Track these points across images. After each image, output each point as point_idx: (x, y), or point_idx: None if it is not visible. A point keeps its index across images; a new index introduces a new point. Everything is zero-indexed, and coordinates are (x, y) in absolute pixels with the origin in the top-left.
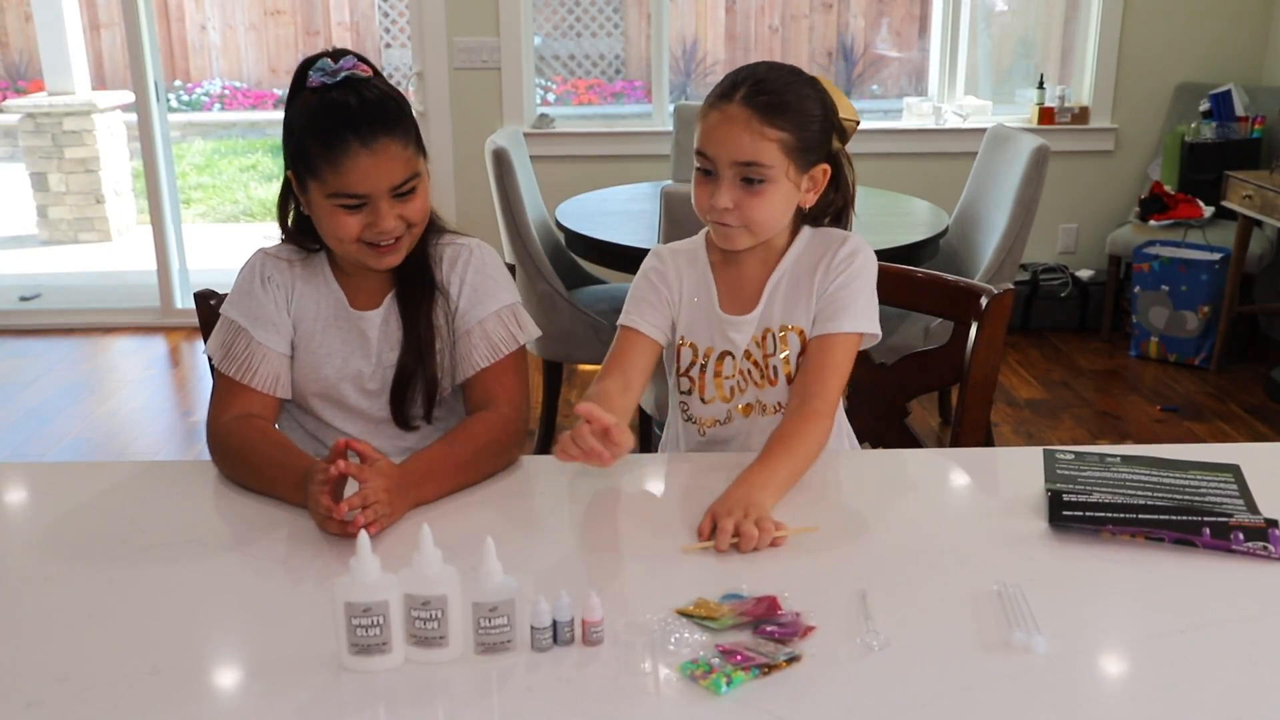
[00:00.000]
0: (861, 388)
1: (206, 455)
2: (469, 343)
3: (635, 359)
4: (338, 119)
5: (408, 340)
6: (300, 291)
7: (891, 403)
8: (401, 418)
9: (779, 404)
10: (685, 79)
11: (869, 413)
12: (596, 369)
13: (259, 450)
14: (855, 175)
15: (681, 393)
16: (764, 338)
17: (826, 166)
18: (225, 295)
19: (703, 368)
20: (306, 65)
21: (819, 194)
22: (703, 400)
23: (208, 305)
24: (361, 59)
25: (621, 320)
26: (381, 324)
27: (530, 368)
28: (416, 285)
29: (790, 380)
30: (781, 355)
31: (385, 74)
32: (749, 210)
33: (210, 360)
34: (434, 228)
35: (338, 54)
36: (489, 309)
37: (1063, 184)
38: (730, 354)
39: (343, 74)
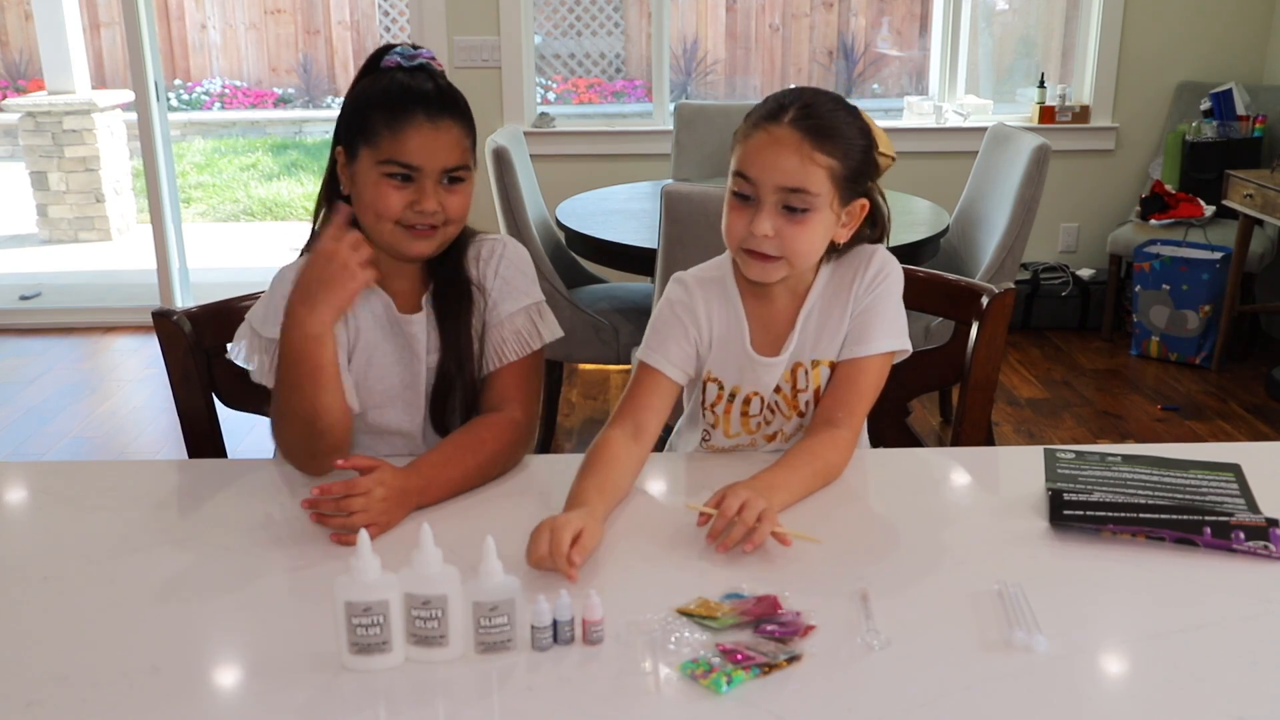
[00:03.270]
0: None
1: (206, 454)
2: (497, 336)
3: (652, 402)
4: (409, 93)
5: (446, 345)
6: (353, 302)
7: (893, 402)
8: (441, 424)
9: (803, 429)
10: (686, 78)
11: (870, 412)
12: (597, 369)
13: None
14: (890, 211)
15: (705, 424)
16: (794, 372)
17: (865, 201)
18: (188, 311)
19: (728, 406)
20: (383, 51)
21: (854, 230)
22: (726, 435)
23: (169, 323)
24: (435, 59)
25: (642, 355)
26: (426, 327)
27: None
28: (452, 288)
29: (819, 403)
30: (812, 389)
31: None
32: (790, 240)
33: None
34: (466, 231)
35: (417, 46)
36: (518, 304)
37: (1063, 183)
38: (759, 394)
39: (419, 61)
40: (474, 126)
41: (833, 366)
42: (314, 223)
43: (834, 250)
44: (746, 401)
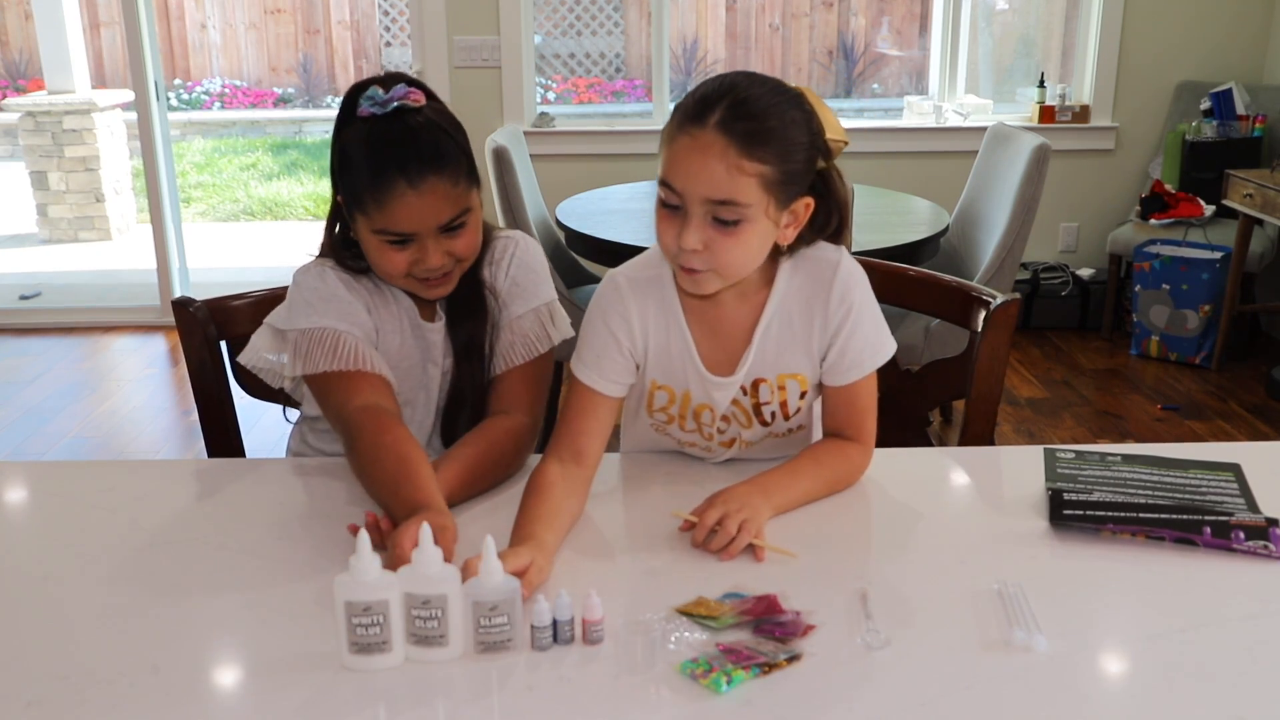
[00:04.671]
0: (883, 395)
1: (204, 454)
2: (506, 339)
3: (590, 425)
4: (385, 156)
5: (459, 359)
6: (374, 306)
7: (912, 412)
8: (450, 437)
9: (769, 435)
10: (686, 78)
11: (890, 421)
12: None
13: (381, 465)
14: (848, 190)
15: (657, 420)
16: (754, 387)
17: (809, 200)
18: (205, 301)
19: (682, 410)
20: (357, 91)
21: (799, 229)
22: (682, 429)
23: (187, 313)
24: (413, 83)
25: (576, 371)
26: (444, 335)
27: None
28: (467, 295)
29: (786, 415)
30: (778, 401)
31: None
32: (720, 253)
33: (286, 384)
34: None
35: (389, 80)
36: (527, 306)
37: (1063, 183)
38: (709, 408)
39: (393, 104)
40: (464, 155)
41: (802, 381)
42: (327, 241)
43: (782, 250)
44: (697, 414)
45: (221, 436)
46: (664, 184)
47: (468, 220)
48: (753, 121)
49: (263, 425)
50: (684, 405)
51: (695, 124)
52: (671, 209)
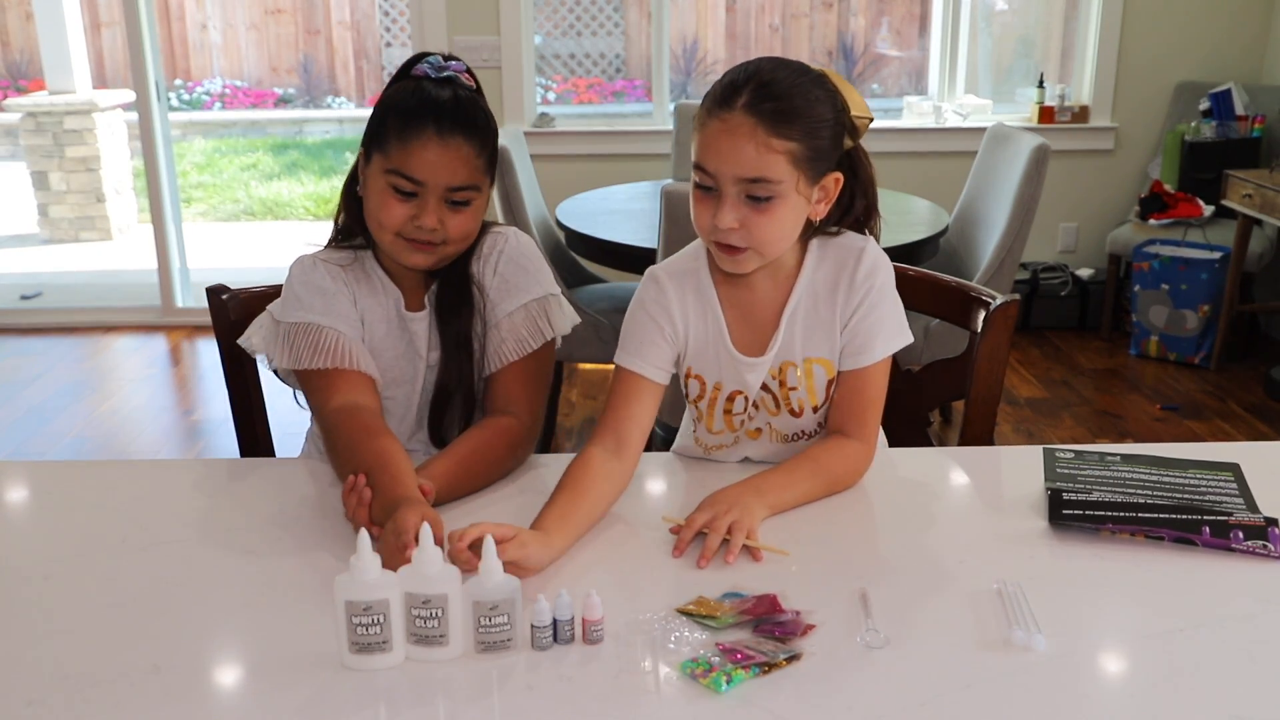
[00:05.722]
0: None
1: (206, 453)
2: (496, 337)
3: (632, 411)
4: (425, 104)
5: (445, 353)
6: (361, 294)
7: (913, 412)
8: (438, 437)
9: (797, 434)
10: (686, 78)
11: (890, 421)
12: (597, 368)
13: (360, 459)
14: (874, 171)
15: (692, 417)
16: (782, 371)
17: (839, 175)
18: (237, 291)
19: (711, 402)
20: (417, 57)
21: (830, 204)
22: (709, 431)
23: (219, 300)
24: (470, 72)
25: (619, 359)
26: (428, 326)
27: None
28: (453, 287)
29: (815, 409)
30: (805, 388)
31: (385, 73)
32: (756, 230)
33: (279, 370)
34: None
35: (450, 57)
36: (518, 302)
37: (1063, 183)
38: (742, 393)
39: (447, 72)
40: (493, 143)
41: (827, 365)
42: (336, 218)
43: (815, 229)
44: (730, 399)
45: (253, 426)
46: (698, 167)
47: (474, 201)
48: (778, 101)
49: (291, 417)
50: (713, 399)
51: (724, 108)
52: (706, 190)
